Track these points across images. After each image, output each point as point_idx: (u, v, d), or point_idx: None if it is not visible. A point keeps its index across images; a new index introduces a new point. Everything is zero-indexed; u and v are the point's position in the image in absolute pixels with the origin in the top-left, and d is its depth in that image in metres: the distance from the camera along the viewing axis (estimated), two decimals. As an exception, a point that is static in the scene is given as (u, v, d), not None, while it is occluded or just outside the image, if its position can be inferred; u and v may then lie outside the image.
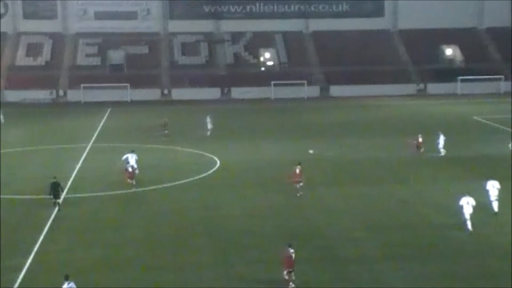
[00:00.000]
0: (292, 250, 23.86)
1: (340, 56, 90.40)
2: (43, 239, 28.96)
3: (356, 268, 25.76)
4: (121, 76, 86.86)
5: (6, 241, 28.82)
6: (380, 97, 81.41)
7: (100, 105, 76.90)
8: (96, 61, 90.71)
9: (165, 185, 39.24)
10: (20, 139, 55.30)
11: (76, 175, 41.71)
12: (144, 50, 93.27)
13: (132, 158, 40.55)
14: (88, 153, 49.23)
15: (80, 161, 45.79)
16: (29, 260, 26.35)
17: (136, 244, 28.60)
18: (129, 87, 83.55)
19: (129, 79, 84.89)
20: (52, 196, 33.84)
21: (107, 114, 70.65)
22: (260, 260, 25.75)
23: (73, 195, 36.87)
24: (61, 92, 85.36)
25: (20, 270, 25.14)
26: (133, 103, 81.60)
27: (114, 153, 49.60)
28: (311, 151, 47.25)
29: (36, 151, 50.32)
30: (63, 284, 21.38)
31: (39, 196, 36.13)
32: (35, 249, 27.66)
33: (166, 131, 55.22)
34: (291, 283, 23.57)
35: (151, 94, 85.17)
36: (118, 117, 68.60)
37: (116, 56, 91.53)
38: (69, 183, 39.46)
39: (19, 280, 24.36)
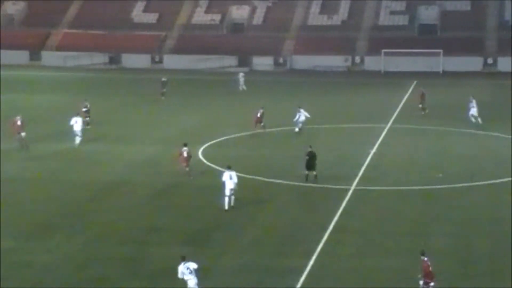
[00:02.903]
0: (425, 259, 24.37)
1: None
2: (328, 239, 30.49)
3: None
4: (432, 40, 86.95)
5: (288, 237, 31.07)
6: None
7: (404, 76, 77.93)
8: (402, 20, 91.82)
9: (481, 182, 38.68)
10: (314, 113, 58.54)
11: (369, 163, 43.14)
12: (465, 6, 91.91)
13: (302, 115, 49.75)
14: (385, 136, 50.48)
15: (376, 146, 47.14)
16: (311, 262, 28.01)
17: (442, 256, 28.74)
18: (442, 54, 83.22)
19: (442, 43, 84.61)
20: (306, 168, 37.39)
21: (411, 87, 71.34)
22: None
23: (365, 187, 38.25)
24: (357, 59, 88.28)
25: (301, 273, 26.96)
26: (446, 74, 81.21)
27: (417, 137, 50.18)
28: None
29: (324, 131, 53.03)
30: (179, 264, 24.22)
31: (325, 186, 38.26)
32: (318, 249, 29.29)
33: (420, 105, 57.45)
34: None
35: (470, 63, 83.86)
36: (426, 92, 68.66)
37: (429, 14, 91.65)
38: (361, 172, 41.00)
39: (299, 284, 26.19)
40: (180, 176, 39.96)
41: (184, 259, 24.63)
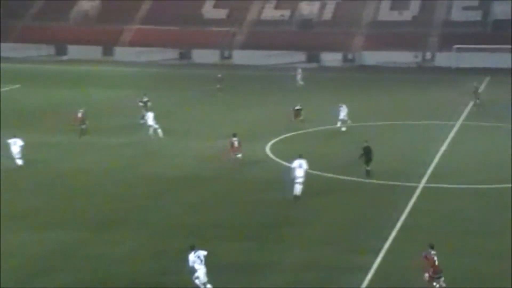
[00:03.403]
0: (433, 252, 24.62)
1: None
2: (396, 236, 30.16)
3: None
4: (506, 36, 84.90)
5: (355, 234, 30.83)
6: None
7: (476, 72, 76.27)
8: (475, 15, 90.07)
9: (555, 182, 37.70)
10: (375, 111, 58.07)
11: (439, 160, 42.50)
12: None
13: (343, 110, 49.87)
14: (456, 133, 49.65)
15: (445, 143, 46.40)
16: (378, 260, 27.77)
17: (507, 257, 28.14)
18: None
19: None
20: (365, 164, 37.93)
21: (484, 84, 69.92)
22: None
23: (434, 185, 37.72)
24: (428, 55, 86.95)
25: (368, 270, 26.70)
26: (519, 71, 79.24)
27: (489, 135, 49.25)
28: None
29: (392, 127, 52.42)
30: (189, 253, 24.57)
31: (394, 182, 37.85)
32: (386, 247, 29.00)
33: (477, 100, 57.19)
34: None
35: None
36: (498, 88, 67.35)
37: (503, 9, 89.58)
38: (430, 169, 40.44)
39: (366, 281, 25.94)
40: (245, 171, 40.16)
41: (193, 248, 25.01)
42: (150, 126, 48.23)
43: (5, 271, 26.94)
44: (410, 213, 33.27)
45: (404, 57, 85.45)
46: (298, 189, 34.93)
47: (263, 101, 62.19)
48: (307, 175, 35.35)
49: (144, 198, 36.00)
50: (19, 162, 41.10)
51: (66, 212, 33.78)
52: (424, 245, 29.06)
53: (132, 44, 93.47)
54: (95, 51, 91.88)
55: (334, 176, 39.25)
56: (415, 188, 36.94)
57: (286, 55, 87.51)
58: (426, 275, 24.80)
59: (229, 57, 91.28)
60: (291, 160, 38.15)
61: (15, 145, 41.09)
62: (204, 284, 24.77)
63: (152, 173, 40.27)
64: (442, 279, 24.60)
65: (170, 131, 49.90)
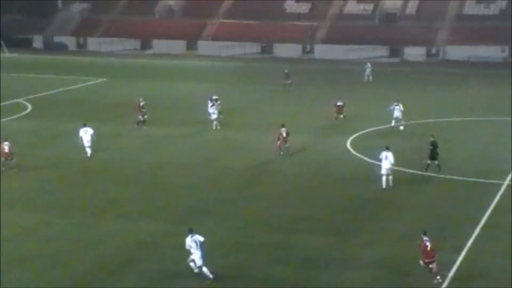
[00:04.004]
0: (426, 238, 25.01)
1: None
2: (479, 234, 29.64)
3: None
4: None
5: (436, 231, 30.14)
6: None
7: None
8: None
9: None
10: (458, 106, 57.11)
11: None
12: None
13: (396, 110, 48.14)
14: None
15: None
16: (460, 258, 27.31)
17: None
18: None
19: None
20: (429, 159, 37.63)
21: None
22: None
23: (520, 183, 36.91)
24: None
25: (449, 268, 26.27)
26: None
27: None
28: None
29: (476, 123, 51.44)
30: (186, 237, 25.25)
31: (476, 179, 37.20)
32: (468, 245, 28.54)
33: None
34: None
35: None
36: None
37: None
38: (513, 166, 39.62)
39: (446, 281, 25.55)
40: (327, 165, 40.07)
41: (191, 231, 25.43)
42: (209, 115, 49.48)
43: (94, 259, 27.80)
44: (493, 211, 32.60)
45: (490, 52, 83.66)
46: (383, 180, 35.30)
47: (336, 96, 61.70)
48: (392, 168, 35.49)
49: (225, 191, 36.34)
50: (89, 151, 41.79)
51: (151, 203, 34.38)
52: (508, 244, 28.64)
53: (215, 38, 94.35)
54: (179, 45, 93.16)
55: (416, 172, 38.76)
56: (500, 185, 36.15)
57: (368, 50, 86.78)
58: (421, 261, 25.11)
59: (311, 51, 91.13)
60: (372, 155, 38.02)
61: (86, 133, 41.98)
62: (200, 267, 25.22)
63: (232, 167, 40.57)
64: (434, 264, 24.94)
65: (248, 124, 50.25)
